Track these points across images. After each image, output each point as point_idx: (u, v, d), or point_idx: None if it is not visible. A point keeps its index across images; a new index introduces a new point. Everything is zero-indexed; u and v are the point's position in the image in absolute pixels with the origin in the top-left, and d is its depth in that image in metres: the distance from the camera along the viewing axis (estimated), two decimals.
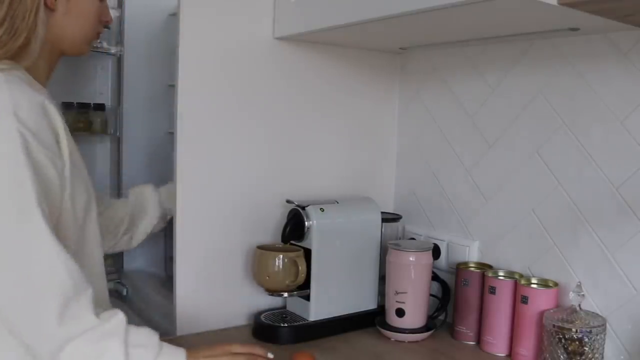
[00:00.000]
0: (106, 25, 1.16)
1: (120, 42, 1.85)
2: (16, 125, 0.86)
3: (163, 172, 1.71)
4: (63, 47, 1.07)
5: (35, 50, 0.98)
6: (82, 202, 1.02)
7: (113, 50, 1.83)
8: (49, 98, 0.98)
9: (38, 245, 0.86)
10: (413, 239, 1.55)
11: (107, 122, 1.94)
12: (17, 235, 0.85)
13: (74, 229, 1.01)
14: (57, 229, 0.93)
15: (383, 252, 1.41)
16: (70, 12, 1.04)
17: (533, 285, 1.24)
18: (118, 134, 1.93)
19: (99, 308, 0.90)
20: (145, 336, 0.93)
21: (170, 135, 1.36)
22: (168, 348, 0.95)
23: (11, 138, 0.86)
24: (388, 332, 1.34)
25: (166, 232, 1.72)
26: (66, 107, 1.76)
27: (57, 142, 0.95)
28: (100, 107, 1.88)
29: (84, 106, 1.85)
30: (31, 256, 0.85)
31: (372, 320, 1.39)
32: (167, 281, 1.65)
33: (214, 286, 1.37)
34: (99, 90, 1.98)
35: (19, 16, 0.95)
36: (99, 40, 1.47)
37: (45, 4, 1.00)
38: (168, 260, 1.71)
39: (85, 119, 1.92)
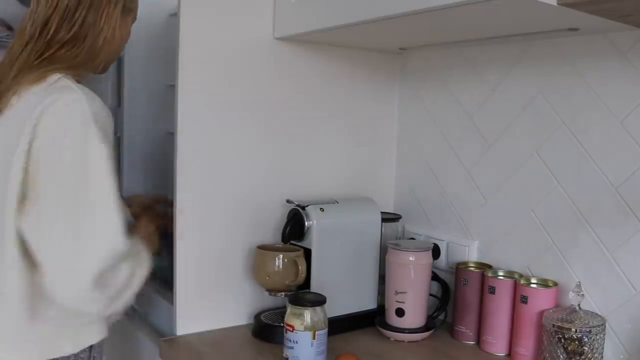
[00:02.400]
0: None
1: None
2: (99, 132, 1.05)
3: (163, 172, 1.71)
4: (100, 66, 1.21)
5: (97, 65, 1.19)
6: None
7: None
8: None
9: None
10: (413, 238, 1.55)
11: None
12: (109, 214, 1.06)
13: None
14: None
15: (383, 252, 1.41)
16: (119, 33, 1.19)
17: (532, 285, 1.24)
18: (118, 134, 1.93)
19: None
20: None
21: (170, 135, 1.36)
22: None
23: (98, 143, 1.05)
24: (388, 331, 1.34)
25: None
26: None
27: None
28: None
29: None
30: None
31: (372, 320, 1.39)
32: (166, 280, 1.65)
33: (214, 286, 1.37)
34: (100, 91, 1.98)
35: (95, 32, 1.15)
36: None
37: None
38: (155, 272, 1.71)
39: None
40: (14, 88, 1.08)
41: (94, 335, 1.17)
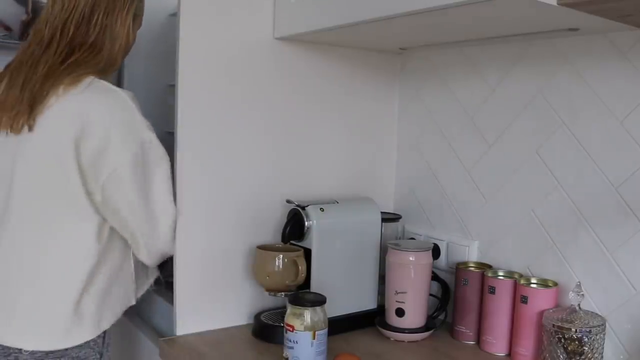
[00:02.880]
0: None
1: None
2: (145, 121, 1.21)
3: None
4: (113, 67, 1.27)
5: (115, 69, 1.28)
6: None
7: None
8: None
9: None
10: (413, 239, 1.55)
11: None
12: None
13: None
14: None
15: (383, 252, 1.41)
16: (130, 41, 1.28)
17: (532, 285, 1.24)
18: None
19: None
20: None
21: (170, 135, 1.36)
22: None
23: (149, 131, 1.21)
24: (388, 331, 1.34)
25: None
26: None
27: None
28: None
29: None
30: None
31: (372, 320, 1.39)
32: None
33: (214, 286, 1.37)
34: None
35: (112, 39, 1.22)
36: None
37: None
38: (169, 259, 1.71)
39: None
40: (48, 90, 1.12)
41: (110, 318, 1.24)
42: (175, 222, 1.27)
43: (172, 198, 1.26)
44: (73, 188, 1.14)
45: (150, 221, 1.22)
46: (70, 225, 1.17)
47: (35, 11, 2.31)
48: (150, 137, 1.19)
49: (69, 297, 1.16)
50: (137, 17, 1.29)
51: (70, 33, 1.17)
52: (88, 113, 1.13)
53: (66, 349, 1.16)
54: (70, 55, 1.16)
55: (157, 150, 1.21)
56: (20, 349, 1.13)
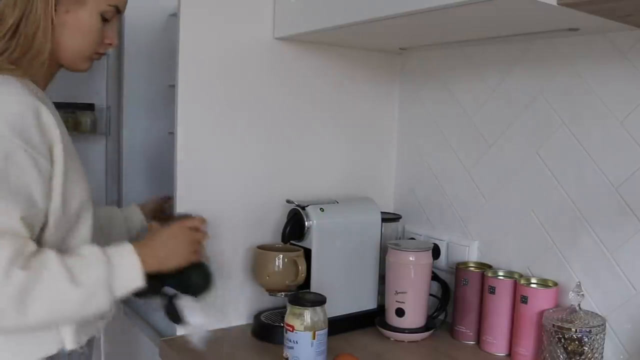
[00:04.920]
0: (109, 47, 1.11)
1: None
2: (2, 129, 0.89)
3: (163, 172, 1.72)
4: (59, 60, 1.05)
5: (41, 60, 1.00)
6: (75, 206, 1.01)
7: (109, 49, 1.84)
8: (47, 103, 0.98)
9: None
10: (413, 239, 1.55)
11: (96, 122, 1.94)
12: None
13: (62, 230, 1.00)
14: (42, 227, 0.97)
15: (383, 252, 1.41)
16: (66, 25, 1.02)
17: (533, 285, 1.24)
18: (110, 134, 1.93)
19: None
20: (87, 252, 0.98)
21: (170, 135, 1.36)
22: (114, 252, 0.99)
23: None
24: (388, 331, 1.34)
25: None
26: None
27: (50, 148, 0.95)
28: (89, 107, 1.88)
29: (70, 106, 1.85)
30: None
31: (372, 320, 1.39)
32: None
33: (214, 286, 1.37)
34: (95, 90, 1.99)
35: (30, 24, 0.98)
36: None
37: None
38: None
39: (72, 119, 1.91)
40: None
41: (49, 345, 1.00)
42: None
43: None
44: None
45: None
46: None
47: None
48: None
49: None
50: None
51: None
52: None
53: None
54: None
55: None
56: None
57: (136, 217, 1.37)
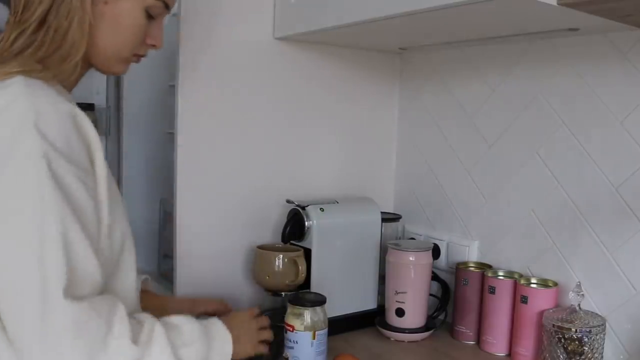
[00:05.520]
0: (152, 48, 0.96)
1: None
2: (39, 142, 0.72)
3: (163, 172, 1.71)
4: (90, 59, 0.89)
5: (74, 61, 0.85)
6: (120, 229, 0.86)
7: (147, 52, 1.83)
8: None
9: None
10: (413, 239, 1.55)
11: (96, 122, 1.94)
12: None
13: (109, 261, 0.84)
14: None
15: (383, 252, 1.41)
16: (104, 18, 0.85)
17: (533, 285, 1.24)
18: (110, 134, 1.93)
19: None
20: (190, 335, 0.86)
21: (170, 135, 1.36)
22: (215, 336, 0.90)
23: (33, 162, 0.72)
24: (388, 331, 1.34)
25: (160, 229, 1.72)
26: None
27: (91, 159, 0.80)
28: (89, 107, 1.87)
29: None
30: None
31: (372, 320, 1.39)
32: (161, 278, 1.65)
33: (214, 286, 1.37)
34: (96, 90, 1.99)
35: (62, 14, 0.82)
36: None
37: None
38: (162, 257, 1.71)
39: None
40: None
41: None
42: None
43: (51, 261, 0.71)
44: None
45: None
46: None
47: None
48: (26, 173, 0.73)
49: None
50: None
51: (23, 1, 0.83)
52: None
53: None
54: (10, 37, 0.82)
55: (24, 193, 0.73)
56: None
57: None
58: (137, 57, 0.94)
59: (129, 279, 0.90)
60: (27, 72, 0.78)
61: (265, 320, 1.08)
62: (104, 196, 0.81)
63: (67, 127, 0.76)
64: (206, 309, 1.18)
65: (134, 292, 0.93)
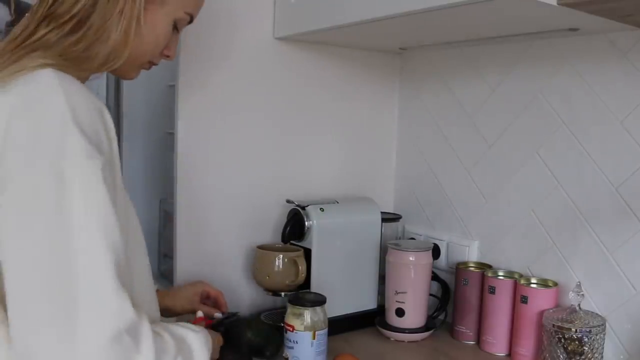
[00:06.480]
0: (166, 59, 0.96)
1: None
2: (83, 141, 0.70)
3: (163, 172, 1.71)
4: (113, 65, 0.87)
5: (113, 66, 0.84)
6: (131, 230, 0.85)
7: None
8: None
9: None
10: (413, 239, 1.55)
11: None
12: None
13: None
14: None
15: (383, 252, 1.41)
16: (140, 30, 0.84)
17: (533, 285, 1.24)
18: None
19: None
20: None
21: (170, 135, 1.36)
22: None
23: (85, 163, 0.70)
24: (388, 331, 1.34)
25: (160, 228, 1.72)
26: None
27: (112, 158, 0.77)
28: None
29: None
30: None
31: (372, 320, 1.39)
32: (161, 278, 1.65)
33: (214, 286, 1.37)
34: (96, 90, 1.98)
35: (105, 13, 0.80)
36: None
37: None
38: (162, 257, 1.71)
39: None
40: None
41: None
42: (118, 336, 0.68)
43: (111, 276, 0.69)
44: None
45: (57, 316, 0.67)
46: None
47: (19, 12, 2.30)
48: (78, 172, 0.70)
49: None
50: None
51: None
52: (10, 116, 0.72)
53: None
54: (36, 29, 0.79)
55: (81, 194, 0.70)
56: None
57: None
58: (150, 64, 0.95)
59: (141, 265, 0.89)
60: (56, 66, 0.75)
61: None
62: (121, 187, 0.80)
63: (97, 121, 0.75)
64: (209, 291, 1.19)
65: (150, 286, 0.92)
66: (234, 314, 1.19)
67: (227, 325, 1.13)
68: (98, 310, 0.68)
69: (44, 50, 0.78)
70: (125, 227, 0.79)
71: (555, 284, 1.23)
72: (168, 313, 1.15)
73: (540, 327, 1.17)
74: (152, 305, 0.93)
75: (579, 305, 1.13)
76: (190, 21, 0.95)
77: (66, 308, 0.66)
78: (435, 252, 1.40)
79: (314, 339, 1.12)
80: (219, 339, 1.00)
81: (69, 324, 0.66)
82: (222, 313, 1.17)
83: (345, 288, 1.38)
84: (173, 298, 1.17)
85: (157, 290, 1.12)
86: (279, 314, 1.38)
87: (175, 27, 0.92)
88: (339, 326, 1.31)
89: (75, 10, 0.79)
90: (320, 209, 1.35)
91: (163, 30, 0.89)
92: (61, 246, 0.68)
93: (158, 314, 0.95)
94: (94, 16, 0.79)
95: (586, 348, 1.09)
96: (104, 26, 0.80)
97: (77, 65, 0.80)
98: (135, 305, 0.72)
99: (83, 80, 0.85)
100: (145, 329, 0.72)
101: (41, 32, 0.79)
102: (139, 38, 0.85)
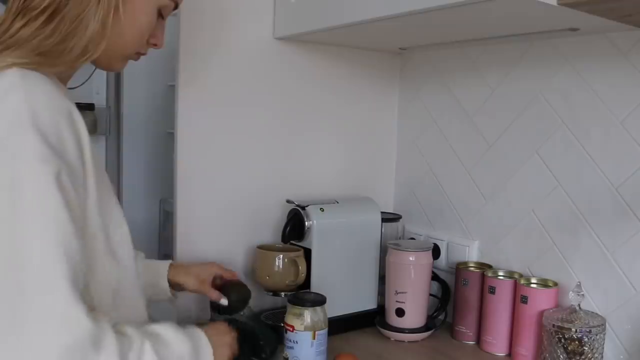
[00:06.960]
0: (153, 47, 0.93)
1: None
2: (39, 144, 0.68)
3: (163, 172, 1.72)
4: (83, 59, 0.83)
5: (91, 57, 0.81)
6: (117, 235, 0.84)
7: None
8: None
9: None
10: (413, 239, 1.55)
11: (96, 122, 1.94)
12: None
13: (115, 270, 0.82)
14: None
15: (383, 252, 1.41)
16: (119, 18, 0.82)
17: (533, 285, 1.24)
18: (110, 134, 1.93)
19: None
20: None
21: (170, 135, 1.36)
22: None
23: (38, 167, 0.68)
24: (388, 332, 1.34)
25: (160, 229, 1.72)
26: None
27: (82, 162, 0.75)
28: (89, 107, 1.87)
29: None
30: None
31: (372, 320, 1.39)
32: None
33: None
34: (95, 90, 1.99)
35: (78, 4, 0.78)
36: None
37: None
38: (162, 257, 1.71)
39: None
40: None
41: None
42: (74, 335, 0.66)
43: (61, 268, 0.67)
44: None
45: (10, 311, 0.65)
46: None
47: None
48: (31, 176, 0.68)
49: None
50: None
51: None
52: None
53: None
54: (12, 24, 0.77)
55: (32, 199, 0.68)
56: None
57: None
58: (138, 54, 0.92)
59: (127, 262, 0.87)
60: (24, 65, 0.74)
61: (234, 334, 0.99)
62: (93, 190, 0.77)
63: (62, 123, 0.73)
64: (222, 274, 1.19)
65: (135, 281, 0.90)
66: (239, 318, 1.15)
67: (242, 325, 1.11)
68: (48, 322, 0.64)
69: (17, 48, 0.76)
70: (96, 233, 0.78)
71: (555, 284, 1.23)
72: (179, 288, 1.15)
73: (540, 327, 1.17)
74: (139, 309, 0.91)
75: (579, 305, 1.13)
76: (176, 7, 0.92)
77: (13, 320, 0.64)
78: (435, 252, 1.40)
79: (314, 339, 1.12)
80: (234, 335, 0.96)
81: (16, 337, 0.63)
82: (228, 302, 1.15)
83: (345, 288, 1.38)
84: (186, 276, 1.15)
85: (171, 265, 1.16)
86: (279, 314, 1.38)
87: (161, 15, 0.90)
88: (339, 326, 1.31)
89: (46, 2, 0.76)
90: (320, 209, 1.35)
91: (146, 18, 0.87)
92: (9, 253, 0.65)
93: (145, 315, 0.93)
94: (68, 6, 0.77)
95: (586, 348, 1.09)
96: (80, 16, 0.77)
97: (52, 59, 0.77)
98: (101, 311, 0.70)
99: (65, 76, 0.85)
100: (107, 335, 0.68)
101: (16, 26, 0.77)
102: (119, 28, 0.82)
